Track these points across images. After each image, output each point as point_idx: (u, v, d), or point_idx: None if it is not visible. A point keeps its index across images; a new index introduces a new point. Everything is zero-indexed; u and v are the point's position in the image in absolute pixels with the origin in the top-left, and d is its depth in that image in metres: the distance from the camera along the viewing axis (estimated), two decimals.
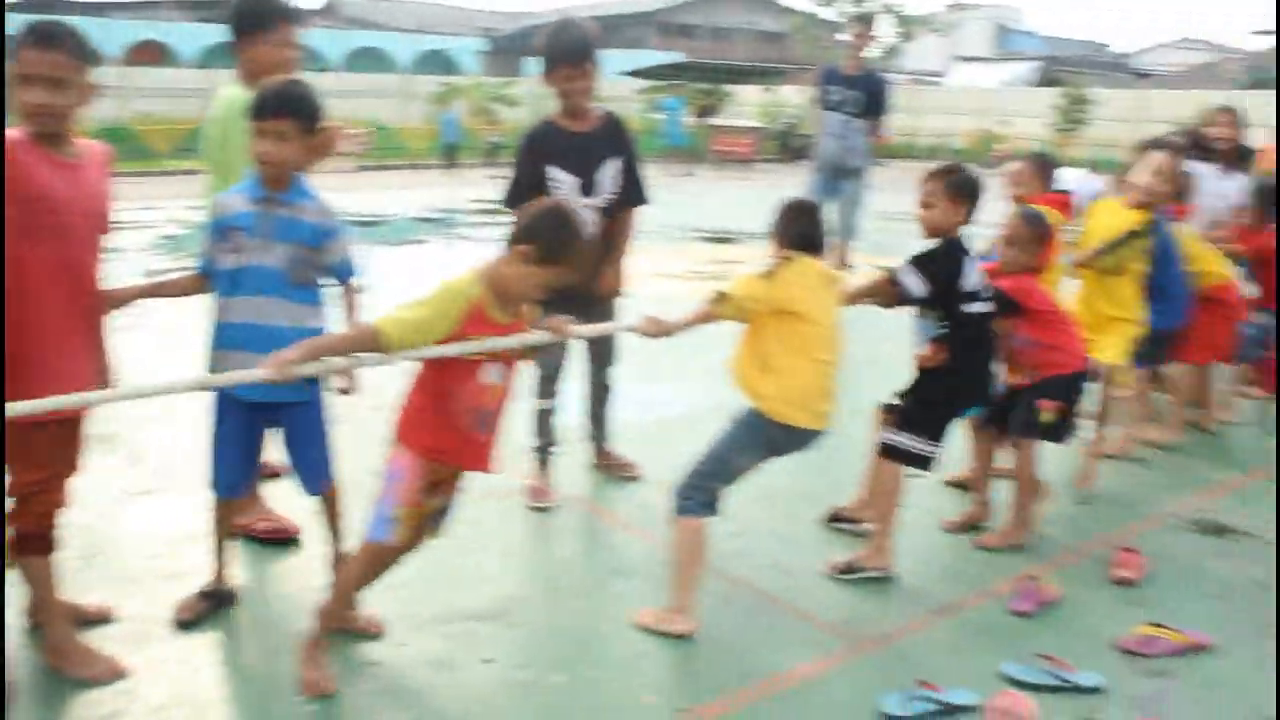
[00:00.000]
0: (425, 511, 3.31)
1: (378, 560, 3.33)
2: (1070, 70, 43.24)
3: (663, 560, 4.03)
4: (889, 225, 12.88)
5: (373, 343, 3.03)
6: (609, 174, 4.65)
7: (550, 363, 4.78)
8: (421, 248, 13.53)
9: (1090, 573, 4.33)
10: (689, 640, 3.66)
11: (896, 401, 4.37)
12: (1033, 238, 4.52)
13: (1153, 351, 5.66)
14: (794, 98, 39.48)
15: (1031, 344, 4.52)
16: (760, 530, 4.59)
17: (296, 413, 3.59)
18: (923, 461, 4.19)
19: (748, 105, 39.23)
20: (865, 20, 9.11)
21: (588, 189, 4.61)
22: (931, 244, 4.16)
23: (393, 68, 41.90)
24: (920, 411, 4.20)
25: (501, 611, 3.84)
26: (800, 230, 3.85)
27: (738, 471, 3.79)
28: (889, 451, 4.21)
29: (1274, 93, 37.27)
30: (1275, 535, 4.71)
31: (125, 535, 4.35)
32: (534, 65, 4.76)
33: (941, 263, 4.11)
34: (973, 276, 4.14)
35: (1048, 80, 46.09)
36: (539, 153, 4.63)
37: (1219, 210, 6.49)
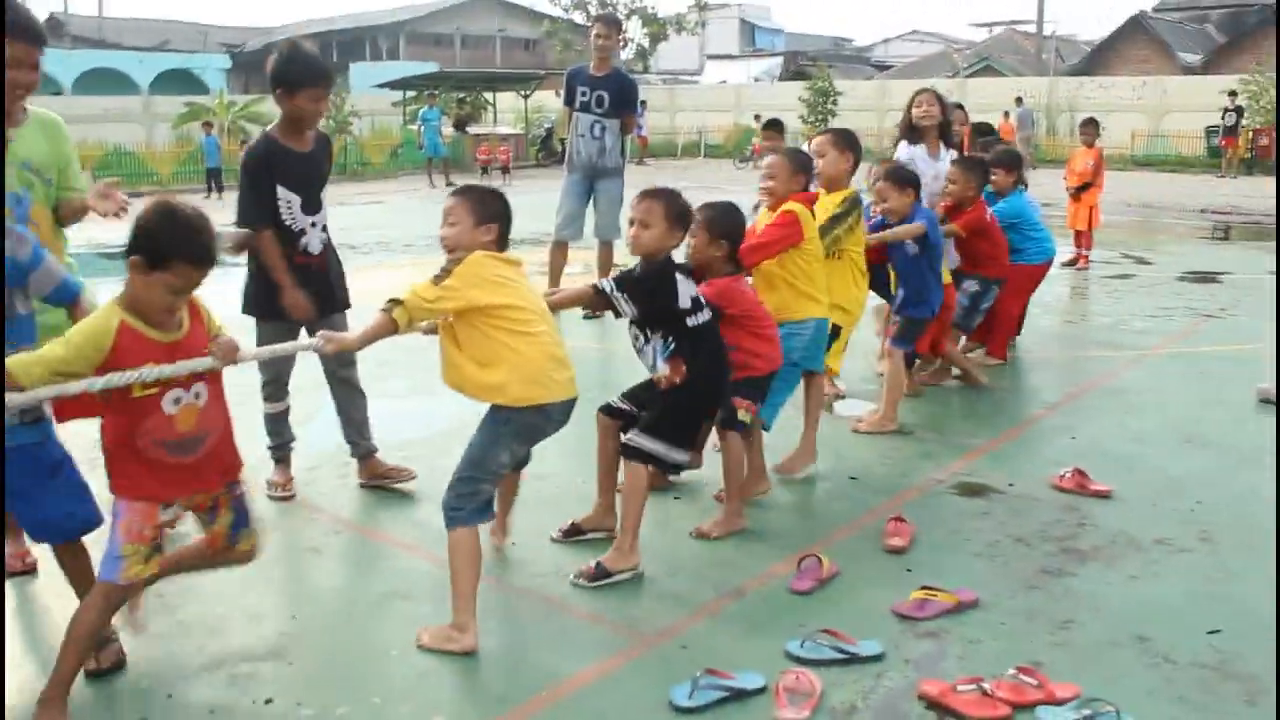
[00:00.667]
0: (151, 544, 3.19)
1: (111, 600, 3.21)
2: (814, 63, 44.94)
3: (444, 579, 3.92)
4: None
5: (12, 383, 2.92)
6: (326, 192, 4.92)
7: (272, 366, 4.87)
8: None
9: (864, 545, 4.46)
10: (474, 655, 3.56)
11: (622, 405, 4.42)
12: (721, 236, 4.47)
13: (915, 334, 6.13)
14: (551, 102, 39.77)
15: (732, 347, 4.45)
16: (537, 536, 4.51)
17: (15, 458, 3.22)
18: (674, 468, 4.32)
19: (506, 112, 39.24)
20: (610, 21, 9.13)
21: (310, 207, 4.79)
22: (641, 266, 4.19)
23: (132, 89, 39.85)
24: (668, 421, 4.18)
25: (279, 649, 3.64)
26: (508, 226, 3.80)
27: (501, 468, 3.73)
28: (637, 455, 4.13)
29: (995, 78, 39.88)
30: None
31: None
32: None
33: (653, 287, 4.13)
34: (687, 290, 4.17)
35: (794, 74, 47.88)
36: (270, 171, 4.69)
37: (934, 192, 6.72)
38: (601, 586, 4.05)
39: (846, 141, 5.63)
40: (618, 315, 4.18)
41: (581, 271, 10.15)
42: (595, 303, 4.29)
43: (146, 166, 29.28)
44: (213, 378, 3.23)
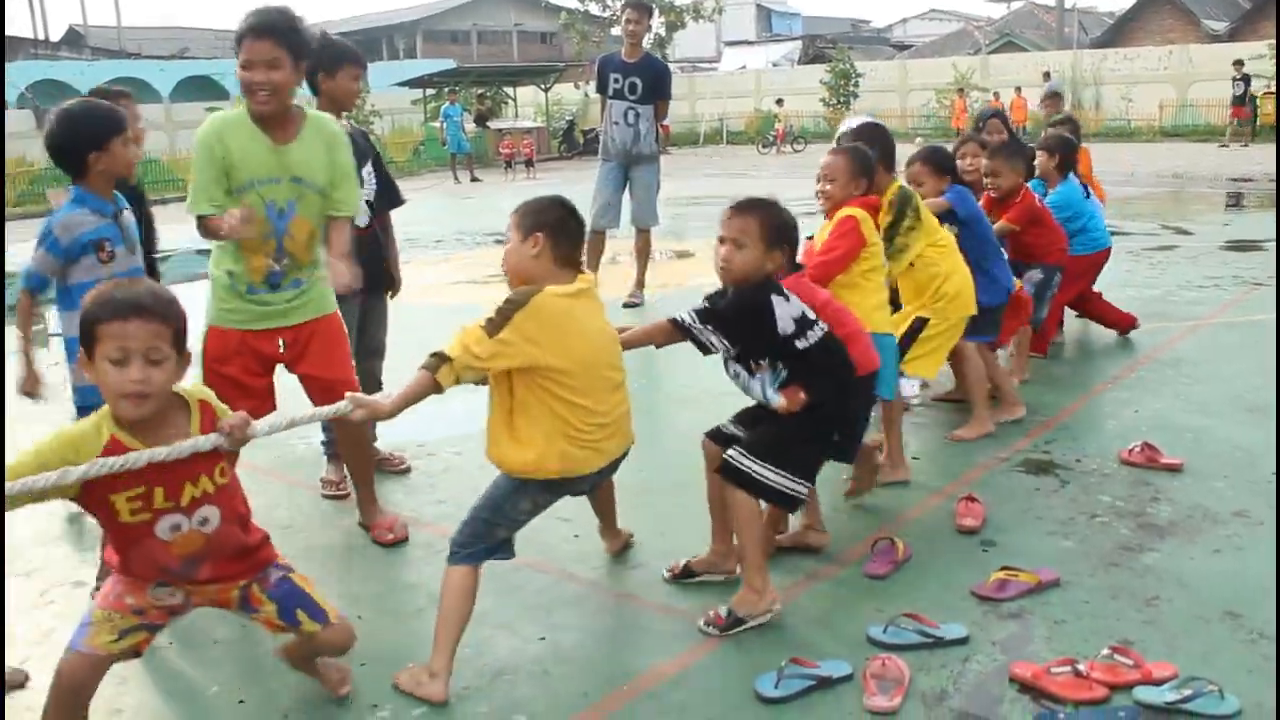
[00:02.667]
0: (132, 616, 2.81)
1: (63, 675, 2.76)
2: (833, 46, 44.69)
3: (506, 575, 3.86)
4: (682, 211, 12.98)
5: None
6: (368, 171, 4.93)
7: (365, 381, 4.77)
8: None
9: (936, 527, 4.37)
10: (547, 653, 3.49)
11: (733, 430, 3.84)
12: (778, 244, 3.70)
13: (986, 327, 5.53)
14: (570, 94, 39.70)
15: None
16: (591, 531, 4.42)
17: None
18: (790, 501, 3.67)
19: (526, 106, 39.21)
20: (640, 6, 9.03)
21: None
22: (729, 294, 3.61)
23: (154, 97, 39.99)
24: (783, 443, 3.60)
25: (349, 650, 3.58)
26: (560, 234, 3.33)
27: (522, 515, 3.40)
28: (739, 479, 3.56)
29: (1017, 54, 39.52)
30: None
31: None
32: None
33: (743, 319, 3.57)
34: (788, 311, 3.58)
35: (813, 58, 47.65)
36: None
37: None
38: (736, 634, 3.55)
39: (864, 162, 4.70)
40: (706, 352, 3.64)
41: (609, 261, 10.06)
42: (673, 338, 3.65)
43: (172, 174, 29.37)
44: (225, 493, 2.81)
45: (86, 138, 3.68)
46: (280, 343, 4.11)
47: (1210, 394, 6.00)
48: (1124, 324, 7.42)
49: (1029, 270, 6.47)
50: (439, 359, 3.11)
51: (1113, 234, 7.95)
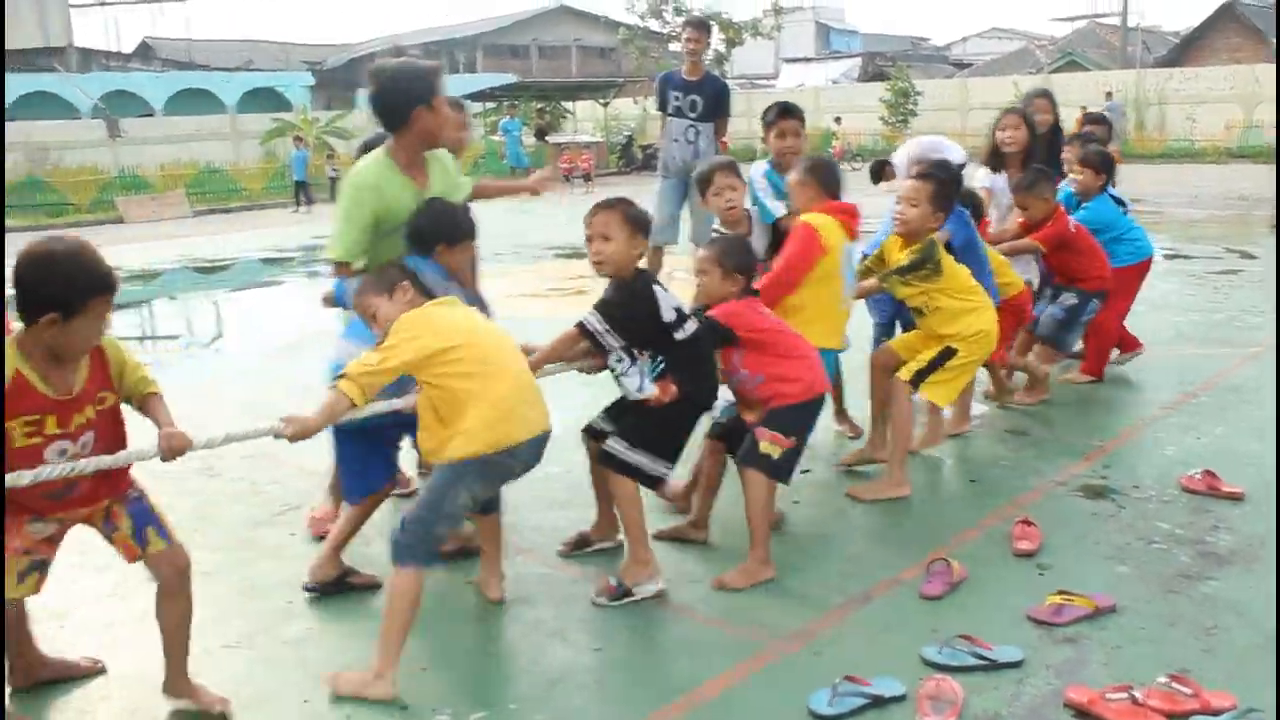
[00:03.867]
0: (24, 558, 3.06)
1: None
2: (892, 64, 44.52)
3: (562, 583, 3.92)
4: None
5: None
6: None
7: None
8: (273, 289, 13.12)
9: (991, 549, 4.36)
10: (601, 663, 3.53)
11: (605, 426, 4.09)
12: (735, 271, 4.16)
13: None
14: (629, 110, 39.86)
15: (752, 379, 4.14)
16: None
17: None
18: (654, 481, 3.98)
19: (585, 120, 39.42)
20: (701, 25, 9.08)
21: None
22: (612, 288, 3.94)
23: (220, 108, 40.71)
24: (649, 427, 3.93)
25: (409, 655, 3.62)
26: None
27: (460, 510, 3.51)
28: (616, 465, 3.91)
29: (1079, 73, 39.16)
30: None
31: None
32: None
33: (631, 307, 3.89)
34: (669, 301, 3.92)
35: (872, 76, 47.50)
36: None
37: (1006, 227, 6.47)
38: (626, 605, 3.89)
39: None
40: (602, 353, 3.95)
41: (665, 277, 10.10)
42: (577, 343, 3.95)
43: (235, 183, 29.91)
44: (107, 416, 3.09)
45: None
46: None
47: (1273, 421, 5.91)
48: (1093, 370, 6.97)
49: (1065, 293, 6.46)
50: (340, 378, 3.35)
51: (1175, 257, 7.89)
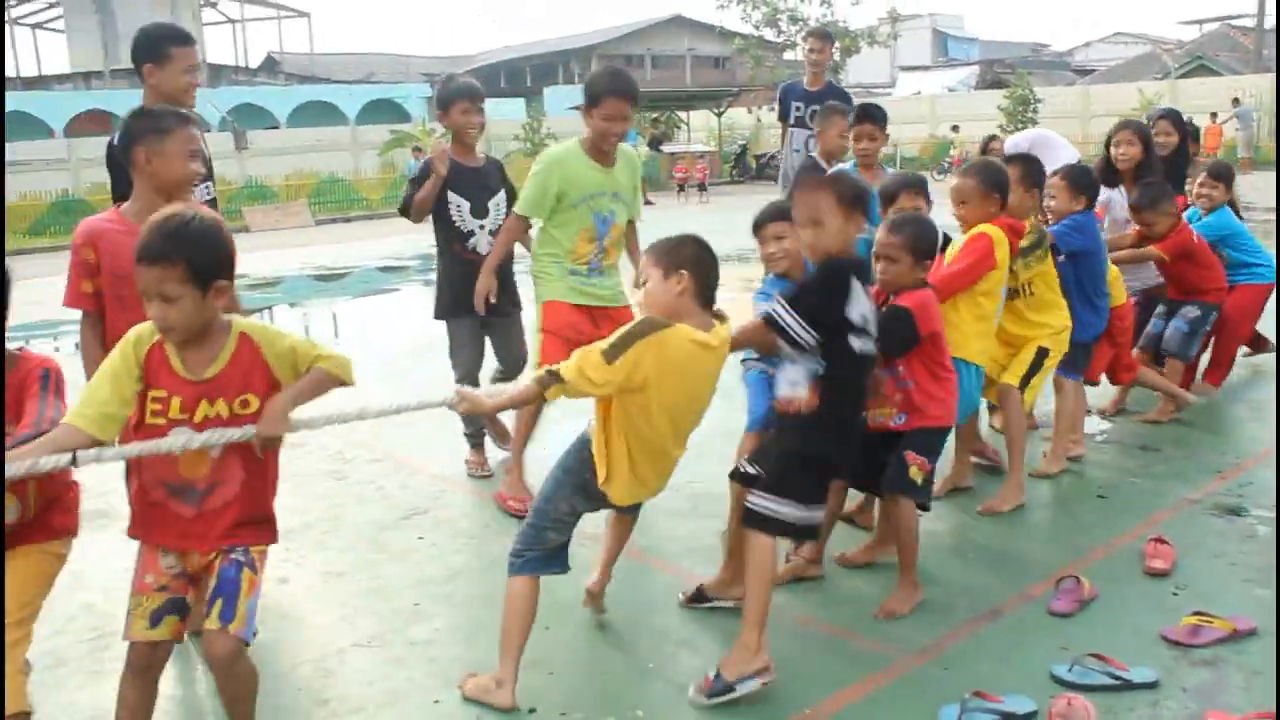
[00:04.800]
0: (158, 595, 2.87)
1: (129, 665, 2.88)
2: (1012, 71, 43.70)
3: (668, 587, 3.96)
4: None
5: (77, 438, 2.70)
6: (496, 203, 5.60)
7: (462, 363, 5.59)
8: (391, 295, 13.43)
9: (1122, 567, 4.27)
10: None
11: (750, 470, 3.72)
12: (921, 248, 4.01)
13: (1079, 361, 5.51)
14: (743, 119, 39.81)
15: (903, 381, 4.01)
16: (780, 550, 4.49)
17: None
18: (800, 531, 3.58)
19: (699, 130, 39.47)
20: (823, 35, 9.06)
21: (479, 212, 5.56)
22: (816, 274, 3.63)
23: (342, 119, 41.78)
24: (788, 474, 3.49)
25: (538, 658, 3.66)
26: (698, 272, 3.28)
27: (565, 518, 3.45)
28: (759, 522, 3.45)
29: (1209, 78, 37.96)
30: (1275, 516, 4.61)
31: None
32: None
33: (824, 295, 3.49)
34: (860, 306, 3.50)
35: (991, 83, 46.70)
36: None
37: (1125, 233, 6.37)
38: (725, 704, 3.37)
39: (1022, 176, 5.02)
40: (795, 347, 3.48)
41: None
42: (766, 336, 3.54)
43: (356, 193, 30.70)
44: (238, 425, 2.87)
45: None
46: (595, 320, 4.99)
47: None
48: (1213, 379, 6.82)
49: (1185, 306, 6.36)
50: (553, 377, 3.16)
51: None
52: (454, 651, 3.80)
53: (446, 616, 4.10)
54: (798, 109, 8.78)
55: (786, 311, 3.42)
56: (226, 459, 2.89)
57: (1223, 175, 6.84)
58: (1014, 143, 6.80)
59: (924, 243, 4.02)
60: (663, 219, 20.16)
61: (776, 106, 9.15)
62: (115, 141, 3.81)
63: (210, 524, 2.88)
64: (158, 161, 3.56)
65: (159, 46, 4.23)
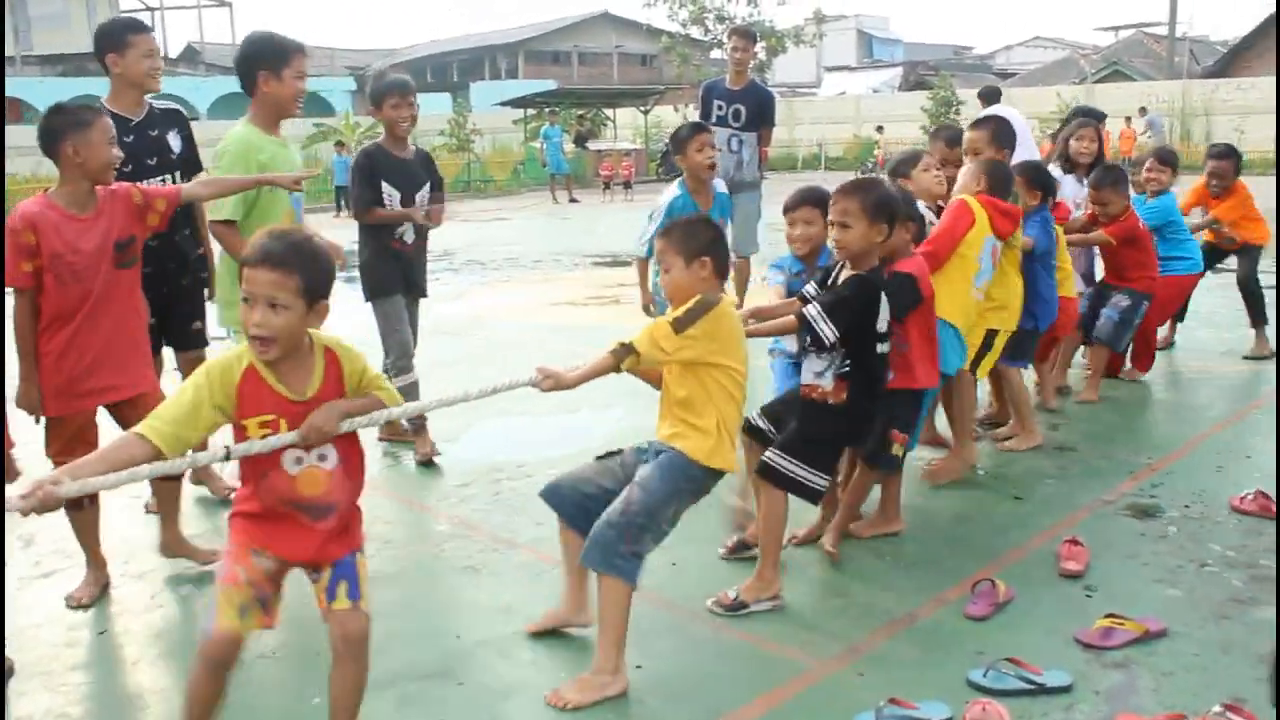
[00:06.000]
0: (247, 589, 2.85)
1: (207, 659, 2.82)
2: (935, 73, 44.29)
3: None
4: (780, 237, 12.90)
5: (144, 450, 2.67)
6: (422, 196, 5.79)
7: (396, 340, 5.72)
8: None
9: (1037, 569, 4.29)
10: (643, 681, 3.48)
11: (761, 424, 4.28)
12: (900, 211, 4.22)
13: (1026, 350, 5.89)
14: (669, 117, 39.85)
15: (904, 346, 4.36)
16: (699, 553, 4.45)
17: None
18: (813, 494, 4.02)
19: (625, 128, 39.43)
20: (746, 34, 9.05)
21: (408, 204, 5.72)
22: (846, 281, 3.97)
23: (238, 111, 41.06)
24: (809, 446, 3.98)
25: (446, 669, 3.61)
26: (717, 255, 3.54)
27: (668, 525, 3.52)
28: (778, 479, 3.96)
29: (1124, 83, 38.79)
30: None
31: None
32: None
33: (857, 307, 3.93)
34: (884, 315, 3.99)
35: (915, 84, 47.29)
36: (374, 169, 5.68)
37: (1078, 217, 6.74)
38: (739, 617, 3.91)
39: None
40: (819, 345, 3.95)
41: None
42: (792, 328, 4.08)
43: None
44: (343, 440, 2.93)
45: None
46: None
47: None
48: (1142, 367, 7.24)
49: (1117, 294, 6.59)
50: (626, 349, 3.40)
51: (1223, 270, 7.84)
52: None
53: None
54: (720, 108, 8.76)
55: (821, 318, 3.87)
56: (339, 476, 2.93)
57: (1168, 160, 7.25)
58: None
59: (902, 208, 4.25)
60: (588, 217, 20.07)
61: (699, 105, 9.13)
62: (38, 138, 3.98)
63: (327, 538, 2.92)
64: (85, 151, 3.90)
65: (119, 35, 4.73)
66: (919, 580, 4.23)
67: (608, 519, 3.41)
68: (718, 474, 3.57)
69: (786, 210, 4.58)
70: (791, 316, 4.01)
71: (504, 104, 36.29)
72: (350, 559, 2.96)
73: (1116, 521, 4.78)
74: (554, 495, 3.70)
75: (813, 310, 3.91)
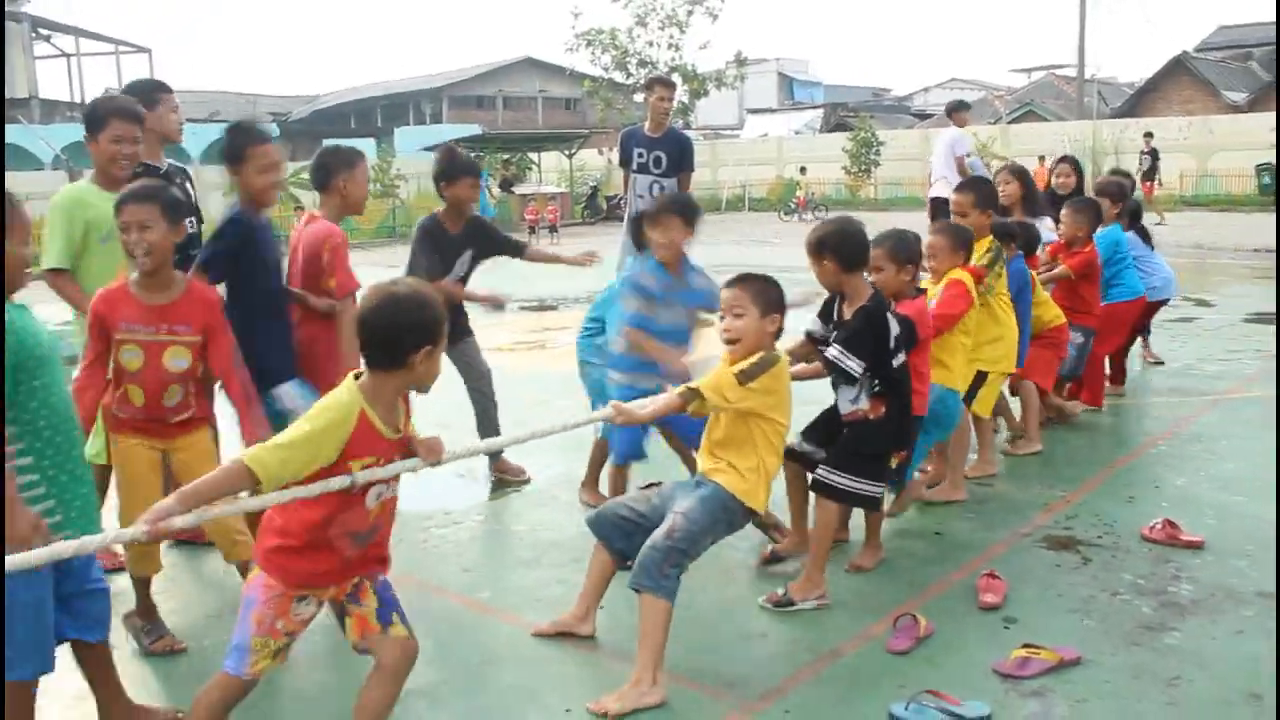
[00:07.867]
0: (282, 638, 3.03)
1: (229, 695, 3.03)
2: (855, 114, 45.12)
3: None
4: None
5: (246, 481, 2.75)
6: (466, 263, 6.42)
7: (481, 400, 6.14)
8: None
9: (957, 603, 4.39)
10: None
11: (807, 448, 4.63)
12: (907, 262, 4.82)
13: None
14: (594, 160, 40.12)
15: None
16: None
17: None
18: (872, 502, 4.54)
19: (550, 171, 39.61)
20: (669, 84, 9.18)
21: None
22: (854, 316, 4.37)
23: (185, 159, 40.60)
24: (860, 460, 4.41)
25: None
26: (784, 315, 3.90)
27: (701, 551, 3.81)
28: (834, 494, 4.39)
29: (1037, 124, 39.79)
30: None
31: None
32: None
33: (871, 334, 4.33)
34: (895, 329, 4.40)
35: (835, 126, 48.11)
36: (434, 241, 6.28)
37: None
38: (787, 612, 4.29)
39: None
40: (846, 380, 4.37)
41: None
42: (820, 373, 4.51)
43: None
44: (396, 481, 3.11)
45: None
46: None
47: (1232, 470, 6.02)
48: (1093, 400, 7.47)
49: (1073, 331, 6.83)
50: (693, 393, 3.72)
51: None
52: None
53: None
54: (640, 155, 8.84)
55: (844, 355, 4.28)
56: (390, 501, 3.11)
57: (1118, 193, 7.73)
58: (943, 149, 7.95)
59: (904, 251, 4.82)
60: (513, 261, 20.06)
61: (620, 153, 9.21)
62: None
63: (365, 558, 3.08)
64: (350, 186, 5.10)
65: (150, 93, 5.15)
66: (843, 616, 4.31)
67: (653, 544, 3.67)
68: (751, 513, 3.89)
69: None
70: (818, 363, 4.46)
71: (429, 149, 36.28)
72: (389, 588, 3.17)
73: (1033, 554, 4.91)
74: (596, 520, 4.04)
75: (834, 352, 4.32)
